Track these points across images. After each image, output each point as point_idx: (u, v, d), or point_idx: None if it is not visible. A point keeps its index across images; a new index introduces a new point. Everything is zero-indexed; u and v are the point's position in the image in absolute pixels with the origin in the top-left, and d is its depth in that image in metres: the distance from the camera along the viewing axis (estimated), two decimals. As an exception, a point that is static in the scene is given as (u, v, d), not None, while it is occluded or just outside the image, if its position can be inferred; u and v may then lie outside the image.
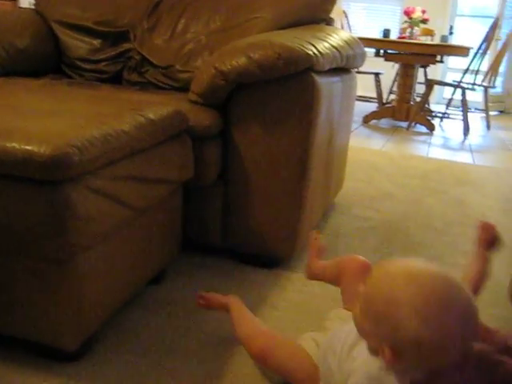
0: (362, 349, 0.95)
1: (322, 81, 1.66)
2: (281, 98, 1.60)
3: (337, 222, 2.28)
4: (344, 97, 2.04)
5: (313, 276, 1.45)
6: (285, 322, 1.48)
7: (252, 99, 1.62)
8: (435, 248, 2.10)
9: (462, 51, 4.76)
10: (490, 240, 1.23)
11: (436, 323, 0.83)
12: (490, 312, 1.60)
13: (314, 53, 1.60)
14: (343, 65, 1.92)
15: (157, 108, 1.40)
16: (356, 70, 2.35)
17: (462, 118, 4.99)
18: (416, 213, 2.51)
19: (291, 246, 1.74)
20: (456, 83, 5.04)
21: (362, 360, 0.95)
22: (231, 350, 1.33)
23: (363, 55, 2.25)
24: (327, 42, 1.78)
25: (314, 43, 1.67)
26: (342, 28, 5.41)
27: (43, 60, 2.21)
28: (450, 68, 7.16)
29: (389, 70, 5.82)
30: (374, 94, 5.74)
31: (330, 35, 1.91)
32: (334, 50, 1.80)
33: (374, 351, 0.91)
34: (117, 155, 1.18)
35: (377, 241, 2.11)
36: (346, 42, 1.99)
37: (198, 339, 1.38)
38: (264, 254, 1.77)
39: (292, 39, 1.64)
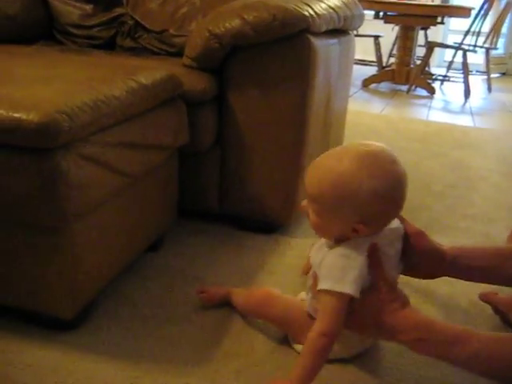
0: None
1: (319, 43, 1.62)
2: (276, 60, 1.57)
3: (336, 187, 2.26)
4: (342, 59, 2.00)
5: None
6: (284, 287, 1.47)
7: (247, 62, 1.58)
8: (435, 211, 2.09)
9: (463, 12, 4.67)
10: None
11: (382, 173, 0.98)
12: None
13: (309, 13, 1.56)
14: (340, 26, 1.88)
15: (149, 72, 1.37)
16: (354, 32, 2.31)
17: (462, 80, 4.93)
18: (415, 176, 2.48)
19: (290, 210, 1.73)
20: (457, 45, 4.96)
21: (329, 252, 1.06)
22: (230, 318, 1.33)
23: (361, 16, 2.20)
24: (323, 3, 1.74)
25: (309, 4, 1.62)
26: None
27: (34, 27, 2.16)
28: (451, 30, 7.04)
29: (388, 33, 5.73)
30: (373, 58, 5.66)
31: (327, -4, 1.86)
32: (331, 10, 1.76)
33: (342, 236, 1.04)
34: (108, 121, 1.15)
35: (376, 205, 2.10)
36: (343, 2, 1.94)
37: (197, 307, 1.37)
38: (262, 220, 1.76)
39: (287, 0, 1.60)
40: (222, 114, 1.65)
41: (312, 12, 1.58)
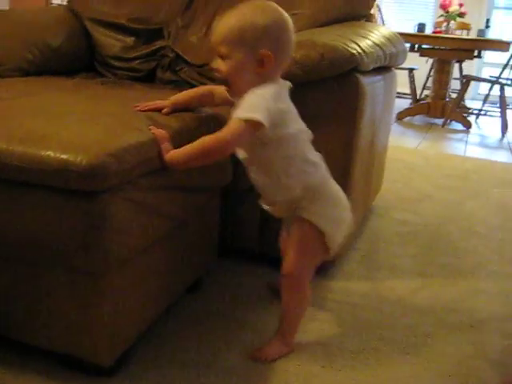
0: None
1: (366, 81, 1.58)
2: (322, 99, 1.53)
3: (376, 226, 2.20)
4: (386, 96, 1.96)
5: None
6: (325, 334, 1.42)
7: (292, 100, 1.54)
8: (480, 255, 2.00)
9: (501, 46, 4.60)
10: None
11: (273, 11, 1.17)
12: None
13: (358, 52, 1.52)
14: (386, 63, 1.84)
15: (194, 112, 1.35)
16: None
17: (499, 115, 4.84)
18: (457, 216, 2.41)
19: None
20: (495, 79, 4.89)
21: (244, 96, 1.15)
22: (272, 367, 1.27)
23: (405, 52, 2.16)
24: (370, 40, 1.70)
25: (357, 41, 1.58)
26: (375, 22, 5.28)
27: (76, 58, 2.17)
28: (486, 63, 6.97)
29: (422, 65, 5.69)
30: (406, 90, 5.62)
31: (372, 32, 1.83)
32: (378, 48, 1.72)
33: (256, 65, 1.16)
34: (154, 164, 1.12)
35: (418, 247, 2.03)
36: (388, 39, 1.91)
37: (238, 353, 1.31)
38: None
39: (335, 37, 1.56)
40: (265, 152, 1.60)
41: (360, 50, 1.54)
